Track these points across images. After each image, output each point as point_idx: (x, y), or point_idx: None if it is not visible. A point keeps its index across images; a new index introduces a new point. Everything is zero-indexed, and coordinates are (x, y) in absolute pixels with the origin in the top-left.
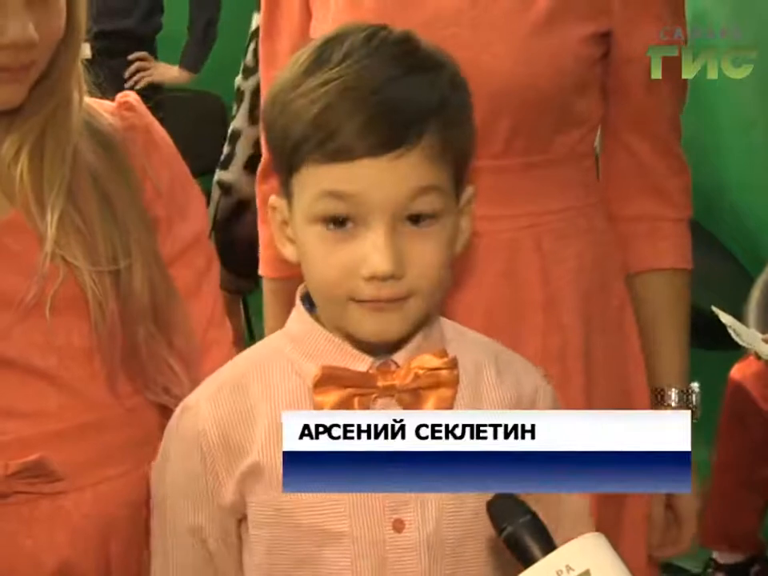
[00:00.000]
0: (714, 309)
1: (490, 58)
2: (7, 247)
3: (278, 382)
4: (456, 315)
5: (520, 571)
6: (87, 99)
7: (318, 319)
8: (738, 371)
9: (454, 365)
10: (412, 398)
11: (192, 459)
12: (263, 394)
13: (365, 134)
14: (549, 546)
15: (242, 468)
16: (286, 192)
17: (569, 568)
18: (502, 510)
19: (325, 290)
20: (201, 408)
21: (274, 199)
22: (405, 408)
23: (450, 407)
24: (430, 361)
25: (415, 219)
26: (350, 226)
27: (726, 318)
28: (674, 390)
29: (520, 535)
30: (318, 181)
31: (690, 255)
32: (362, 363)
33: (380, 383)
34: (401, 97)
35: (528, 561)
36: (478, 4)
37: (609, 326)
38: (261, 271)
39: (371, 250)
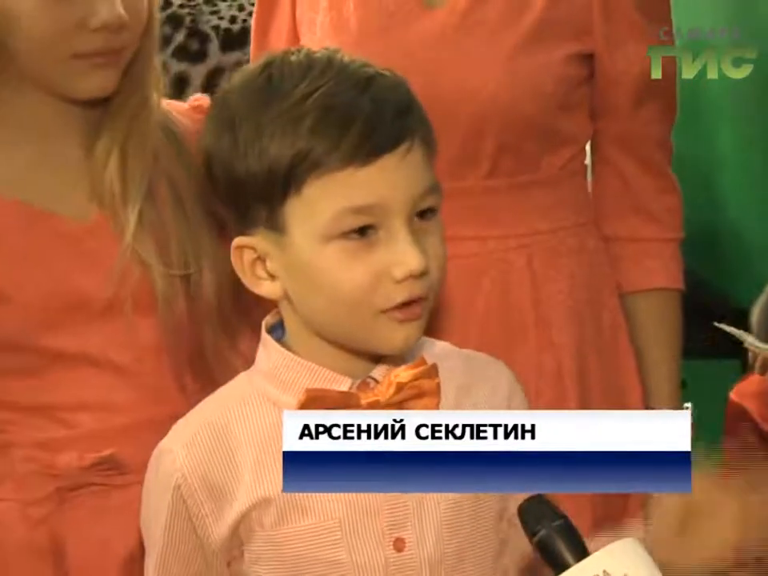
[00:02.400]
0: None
1: (473, 80)
2: (89, 248)
3: (257, 417)
4: (448, 336)
5: None
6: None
7: (288, 348)
8: (738, 392)
9: (434, 373)
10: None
11: (174, 506)
12: (243, 432)
13: (371, 131)
14: (581, 551)
15: (230, 508)
16: (272, 224)
17: (606, 573)
18: (533, 514)
19: (353, 304)
20: (178, 454)
21: (240, 239)
22: None
23: None
24: (410, 371)
25: (422, 214)
26: (371, 232)
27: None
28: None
29: (552, 540)
30: (332, 195)
31: (679, 276)
32: (342, 385)
33: (363, 401)
34: (385, 95)
35: (561, 566)
36: (461, 27)
37: (603, 345)
38: None
39: (401, 251)
